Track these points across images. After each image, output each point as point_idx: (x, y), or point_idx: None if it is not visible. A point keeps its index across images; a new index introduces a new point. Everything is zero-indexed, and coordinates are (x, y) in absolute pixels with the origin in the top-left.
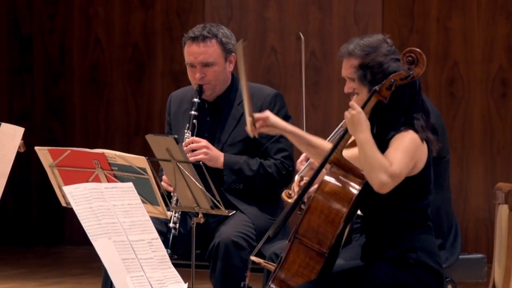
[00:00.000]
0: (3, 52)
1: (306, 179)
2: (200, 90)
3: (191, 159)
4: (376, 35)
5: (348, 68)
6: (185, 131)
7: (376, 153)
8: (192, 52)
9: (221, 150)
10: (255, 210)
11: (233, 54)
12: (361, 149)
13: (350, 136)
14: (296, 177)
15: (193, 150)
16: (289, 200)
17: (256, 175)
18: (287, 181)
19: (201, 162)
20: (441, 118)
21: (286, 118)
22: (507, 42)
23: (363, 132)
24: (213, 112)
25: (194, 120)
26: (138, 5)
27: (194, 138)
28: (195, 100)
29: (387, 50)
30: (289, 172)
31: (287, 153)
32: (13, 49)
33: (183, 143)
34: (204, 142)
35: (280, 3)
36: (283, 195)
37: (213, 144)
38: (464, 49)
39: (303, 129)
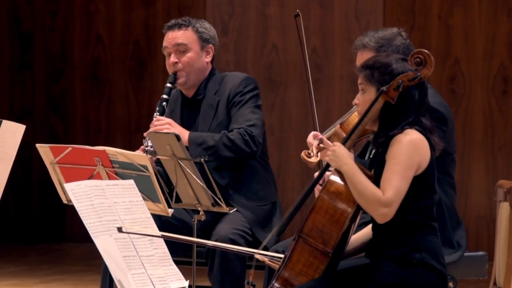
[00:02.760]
0: (4, 49)
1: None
2: (174, 77)
3: (152, 129)
4: (390, 28)
5: (361, 60)
6: (155, 114)
7: (366, 185)
8: (167, 38)
9: None
10: (242, 199)
11: (211, 45)
12: (351, 184)
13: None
14: (315, 142)
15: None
16: (309, 159)
17: (218, 144)
18: (252, 147)
19: (202, 160)
20: (451, 112)
21: (256, 105)
22: (509, 39)
23: (348, 164)
24: (193, 108)
25: (164, 103)
26: (139, 2)
27: (159, 117)
28: (168, 85)
29: (401, 43)
30: (252, 137)
31: (252, 122)
32: (14, 46)
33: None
34: (168, 120)
35: (281, 0)
36: (303, 154)
37: None
38: (466, 46)
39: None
